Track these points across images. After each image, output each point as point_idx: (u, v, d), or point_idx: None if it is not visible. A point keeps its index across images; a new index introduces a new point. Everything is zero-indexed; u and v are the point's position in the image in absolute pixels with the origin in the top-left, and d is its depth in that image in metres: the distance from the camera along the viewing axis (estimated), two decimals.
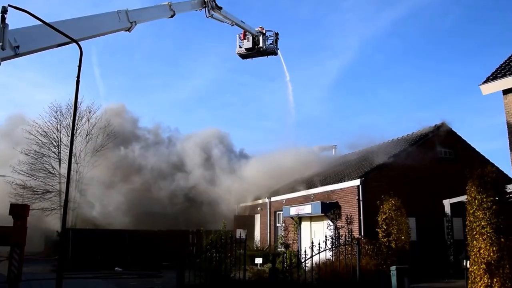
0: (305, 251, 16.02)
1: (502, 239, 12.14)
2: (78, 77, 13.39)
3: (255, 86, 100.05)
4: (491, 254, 12.16)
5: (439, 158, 24.56)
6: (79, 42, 13.57)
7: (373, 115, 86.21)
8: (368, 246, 18.93)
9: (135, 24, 17.90)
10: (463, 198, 16.32)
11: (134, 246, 27.24)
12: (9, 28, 11.29)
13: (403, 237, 19.06)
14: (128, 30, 17.76)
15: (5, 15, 11.06)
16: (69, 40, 13.25)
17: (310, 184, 27.51)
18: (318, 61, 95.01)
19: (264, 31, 28.61)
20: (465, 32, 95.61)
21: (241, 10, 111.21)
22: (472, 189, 12.97)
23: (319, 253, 15.69)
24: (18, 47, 11.72)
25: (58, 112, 36.97)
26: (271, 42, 29.24)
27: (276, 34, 29.42)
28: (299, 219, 26.17)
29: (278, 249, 27.28)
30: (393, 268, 15.19)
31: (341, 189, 23.05)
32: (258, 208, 32.64)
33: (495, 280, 12.03)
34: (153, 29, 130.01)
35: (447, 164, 24.16)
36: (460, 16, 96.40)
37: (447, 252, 21.21)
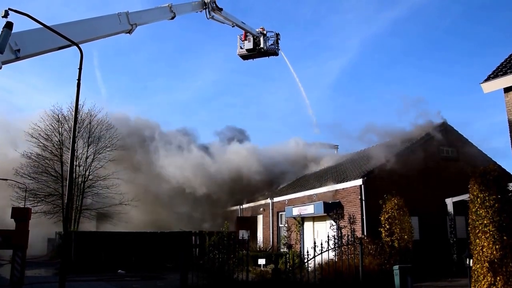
0: (307, 252, 16.00)
1: (505, 237, 12.09)
2: (79, 79, 13.44)
3: (256, 86, 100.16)
4: (494, 252, 12.11)
5: (441, 157, 24.54)
6: (80, 45, 13.61)
7: (374, 114, 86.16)
8: (371, 246, 18.91)
9: (136, 26, 17.95)
10: (465, 196, 16.31)
11: (137, 248, 27.22)
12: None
13: (406, 236, 19.02)
14: (129, 32, 17.81)
15: (11, 23, 11.12)
16: (69, 43, 13.29)
17: (312, 184, 27.49)
18: (319, 61, 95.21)
19: (265, 32, 28.64)
20: (465, 31, 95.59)
21: (242, 11, 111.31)
22: (475, 187, 12.92)
23: (321, 253, 15.67)
24: (18, 50, 11.77)
25: (59, 115, 37.07)
26: (272, 42, 29.27)
27: (277, 34, 29.45)
28: (302, 219, 26.13)
29: (281, 250, 27.24)
30: (396, 267, 15.16)
31: (343, 189, 23.02)
32: (261, 209, 32.62)
33: (498, 278, 11.99)
34: (154, 31, 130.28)
35: (449, 162, 24.15)
36: (459, 16, 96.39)
37: (450, 250, 21.17)
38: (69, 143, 29.30)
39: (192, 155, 40.55)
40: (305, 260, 15.82)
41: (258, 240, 31.77)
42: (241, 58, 29.67)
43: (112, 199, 37.36)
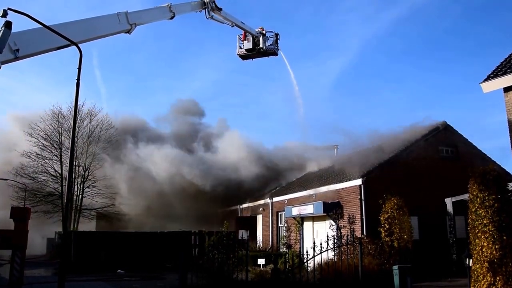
0: (307, 251, 15.99)
1: (505, 237, 12.10)
2: (78, 79, 13.42)
3: (256, 86, 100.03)
4: (494, 252, 12.12)
5: (440, 156, 24.55)
6: (80, 45, 13.59)
7: (374, 114, 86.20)
8: (370, 246, 18.89)
9: (135, 26, 17.91)
10: (465, 196, 16.30)
11: (136, 248, 27.20)
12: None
13: (405, 236, 19.02)
14: (128, 32, 17.78)
15: (11, 22, 11.11)
16: (69, 42, 13.26)
17: (311, 184, 27.48)
18: (319, 61, 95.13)
19: (264, 32, 28.59)
20: (465, 31, 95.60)
21: (242, 11, 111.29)
22: (474, 187, 12.93)
23: (321, 253, 15.67)
24: (18, 50, 11.73)
25: (59, 115, 37.02)
26: (272, 42, 29.21)
27: (277, 34, 29.40)
28: (301, 219, 26.14)
29: (281, 250, 27.25)
30: (395, 267, 15.14)
31: (343, 188, 23.02)
32: (260, 209, 32.62)
33: (498, 278, 11.99)
34: (154, 31, 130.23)
35: (448, 162, 24.15)
36: (459, 16, 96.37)
37: (449, 250, 21.17)
38: (69, 143, 29.29)
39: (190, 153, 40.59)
40: (305, 260, 15.81)
41: (258, 240, 31.76)
42: (240, 58, 29.64)
43: (112, 199, 37.35)
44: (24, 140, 36.40)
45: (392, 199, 19.39)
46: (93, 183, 37.30)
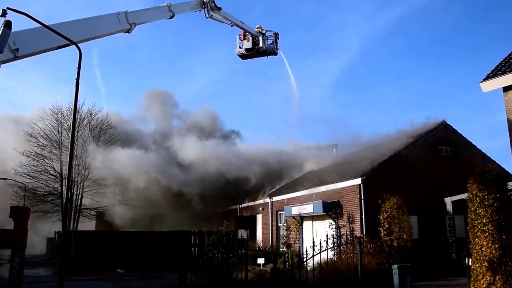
0: (306, 251, 16.00)
1: (504, 237, 12.11)
2: (77, 79, 13.43)
3: (256, 86, 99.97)
4: (493, 251, 12.13)
5: (440, 156, 24.55)
6: (80, 44, 13.59)
7: (374, 113, 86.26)
8: (370, 245, 18.88)
9: (135, 26, 17.94)
10: (464, 195, 16.32)
11: (136, 248, 27.21)
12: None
13: (405, 236, 19.02)
14: (128, 31, 17.80)
15: (10, 21, 11.11)
16: (68, 42, 13.27)
17: (311, 184, 27.48)
18: (319, 60, 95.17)
19: (263, 31, 28.61)
20: (466, 30, 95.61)
21: (242, 10, 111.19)
22: (474, 186, 12.94)
23: (320, 252, 15.67)
24: (17, 50, 11.74)
25: (59, 114, 36.99)
26: (271, 42, 29.23)
27: (276, 34, 29.43)
28: (301, 218, 26.14)
29: (280, 249, 27.26)
30: (394, 266, 15.14)
31: (342, 188, 23.02)
32: (260, 208, 32.62)
33: (497, 277, 12.00)
34: (154, 30, 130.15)
35: (448, 161, 24.15)
36: (461, 14, 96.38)
37: (449, 250, 21.18)
38: (69, 142, 29.27)
39: (189, 153, 40.45)
40: (304, 260, 15.82)
41: (257, 239, 31.78)
42: (240, 58, 29.66)
43: (112, 198, 37.32)
44: (12, 140, 36.41)
45: (392, 198, 19.39)
46: (92, 182, 37.26)
